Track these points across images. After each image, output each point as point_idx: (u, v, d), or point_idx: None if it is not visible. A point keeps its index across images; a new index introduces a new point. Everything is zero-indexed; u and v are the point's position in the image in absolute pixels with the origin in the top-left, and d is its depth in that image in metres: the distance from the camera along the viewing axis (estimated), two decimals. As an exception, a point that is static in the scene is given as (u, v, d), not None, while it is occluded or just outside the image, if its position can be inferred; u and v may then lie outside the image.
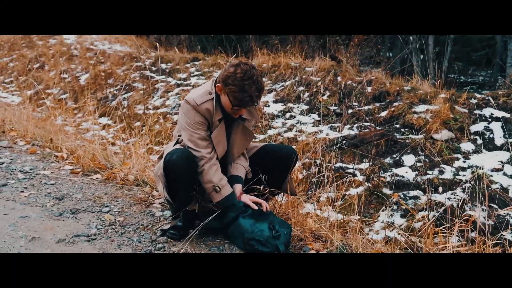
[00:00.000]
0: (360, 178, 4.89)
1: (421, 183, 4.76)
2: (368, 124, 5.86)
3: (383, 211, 4.39)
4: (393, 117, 5.80)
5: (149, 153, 4.54)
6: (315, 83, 6.89)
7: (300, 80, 7.12)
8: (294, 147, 4.25)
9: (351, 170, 5.00)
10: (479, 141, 5.17)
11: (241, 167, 2.66)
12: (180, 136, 2.59)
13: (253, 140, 2.76)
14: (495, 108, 5.48)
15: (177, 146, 2.57)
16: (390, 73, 7.36)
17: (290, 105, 6.68)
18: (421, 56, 8.82)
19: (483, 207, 3.92)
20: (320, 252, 2.54)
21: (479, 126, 5.33)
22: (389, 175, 4.92)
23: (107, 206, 2.98)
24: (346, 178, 4.19)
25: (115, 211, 2.91)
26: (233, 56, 6.75)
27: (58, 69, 9.66)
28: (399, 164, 5.08)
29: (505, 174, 4.71)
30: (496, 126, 5.28)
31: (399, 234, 3.05)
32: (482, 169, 4.71)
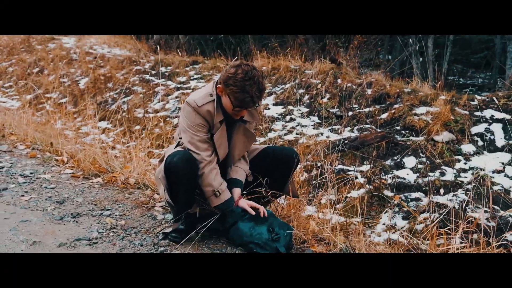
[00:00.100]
0: (361, 180, 4.87)
1: (423, 185, 4.75)
2: (369, 126, 5.85)
3: (385, 213, 4.37)
4: (394, 119, 5.80)
5: (149, 157, 4.53)
6: (315, 85, 6.89)
7: (300, 82, 7.12)
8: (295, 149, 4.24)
9: (352, 173, 4.99)
10: (480, 143, 5.17)
11: (241, 171, 2.64)
12: (181, 138, 2.58)
13: (254, 143, 2.75)
14: (495, 110, 5.48)
15: (178, 148, 2.56)
16: (389, 75, 7.36)
17: (290, 107, 6.67)
18: (421, 59, 8.83)
19: (486, 209, 3.91)
20: (319, 252, 2.53)
21: (480, 128, 5.33)
22: (390, 177, 4.91)
23: (108, 210, 2.96)
24: (348, 180, 4.18)
25: (116, 215, 2.90)
26: (234, 59, 6.75)
27: (58, 73, 9.65)
28: (400, 166, 5.08)
29: (506, 175, 4.70)
30: (497, 128, 5.28)
31: (402, 236, 3.03)
32: (484, 170, 4.70)
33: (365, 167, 5.07)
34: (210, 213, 2.58)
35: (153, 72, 8.97)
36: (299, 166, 3.30)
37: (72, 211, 2.89)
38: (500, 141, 5.13)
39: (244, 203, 2.51)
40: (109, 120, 7.30)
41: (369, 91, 6.41)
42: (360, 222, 2.88)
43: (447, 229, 2.50)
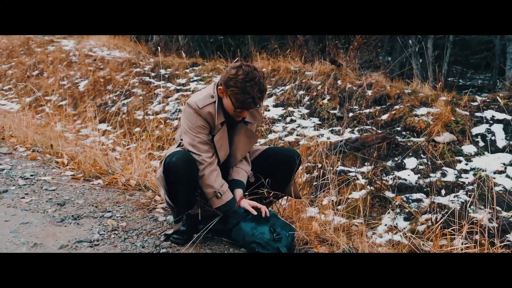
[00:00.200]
0: (362, 181, 4.86)
1: (424, 186, 4.73)
2: (369, 127, 5.84)
3: (388, 213, 4.36)
4: (394, 120, 5.79)
5: (149, 159, 4.51)
6: (315, 87, 6.88)
7: (300, 84, 7.11)
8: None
9: (353, 174, 4.97)
10: (481, 144, 5.16)
11: (242, 171, 2.63)
12: (182, 140, 2.57)
13: (255, 143, 2.74)
14: (496, 110, 5.47)
15: (178, 149, 2.55)
16: (389, 77, 7.36)
17: (291, 109, 6.67)
18: (420, 60, 8.83)
19: (488, 210, 3.90)
20: (320, 252, 2.51)
21: (480, 129, 5.32)
22: (391, 178, 4.89)
23: (109, 212, 2.95)
24: (350, 181, 4.16)
25: (117, 217, 2.88)
26: (235, 60, 6.75)
27: (57, 76, 9.64)
28: (401, 167, 5.06)
29: (508, 176, 4.68)
30: (497, 128, 5.27)
31: (406, 236, 3.02)
32: (485, 171, 4.69)
33: (366, 168, 5.06)
34: (212, 214, 2.57)
35: (153, 74, 8.96)
36: (300, 167, 3.29)
37: (73, 213, 2.87)
38: (501, 142, 5.12)
39: (246, 204, 2.50)
40: (109, 122, 7.28)
41: (369, 92, 6.41)
42: (363, 223, 2.86)
43: (451, 230, 2.49)
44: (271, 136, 6.10)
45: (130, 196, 3.29)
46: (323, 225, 2.82)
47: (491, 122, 5.37)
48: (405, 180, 4.84)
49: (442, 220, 2.65)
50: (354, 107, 6.31)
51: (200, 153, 2.44)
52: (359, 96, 6.41)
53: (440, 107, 5.63)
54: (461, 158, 5.03)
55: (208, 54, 10.79)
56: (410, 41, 8.45)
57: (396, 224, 4.30)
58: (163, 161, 2.52)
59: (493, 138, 5.17)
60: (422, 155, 5.14)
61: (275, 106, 6.90)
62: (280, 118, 6.57)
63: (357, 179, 4.88)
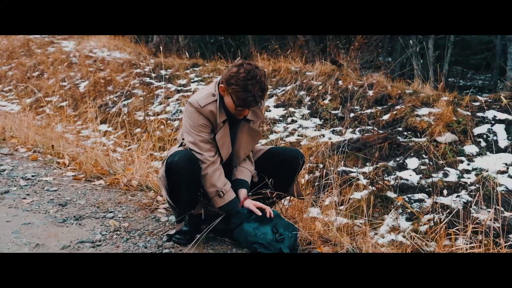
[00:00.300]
0: (363, 181, 4.85)
1: (426, 186, 4.72)
2: (371, 127, 5.83)
3: (393, 213, 4.34)
4: (396, 120, 5.78)
5: (150, 159, 4.50)
6: (316, 87, 6.87)
7: (301, 84, 7.10)
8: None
9: (354, 174, 4.96)
10: (483, 144, 5.15)
11: (246, 171, 2.61)
12: (184, 139, 2.55)
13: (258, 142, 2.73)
14: (498, 110, 5.46)
15: (180, 148, 2.54)
16: (390, 77, 7.35)
17: (292, 109, 6.65)
18: (421, 60, 8.82)
19: (489, 210, 3.88)
20: (322, 252, 2.50)
21: (482, 129, 5.31)
22: (393, 179, 4.88)
23: (111, 212, 2.93)
24: (352, 181, 4.15)
25: (119, 217, 2.87)
26: (236, 60, 6.74)
27: (58, 77, 9.63)
28: (402, 167, 5.05)
29: (510, 176, 4.67)
30: (499, 129, 5.26)
31: (410, 236, 3.01)
32: (487, 171, 4.68)
33: (368, 169, 5.05)
34: (215, 214, 2.55)
35: (153, 75, 8.95)
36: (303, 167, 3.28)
37: (75, 214, 2.86)
38: (503, 142, 5.11)
39: (250, 204, 2.48)
40: (110, 123, 7.27)
41: (370, 93, 6.40)
42: (366, 223, 2.85)
43: (456, 229, 2.47)
44: (272, 137, 6.09)
45: (132, 197, 3.28)
46: (326, 225, 2.81)
47: (493, 122, 5.35)
48: (407, 180, 4.83)
49: (447, 220, 2.64)
50: (355, 107, 6.30)
51: (202, 152, 2.42)
52: (360, 96, 6.40)
53: (442, 107, 5.62)
54: (463, 158, 5.02)
55: (208, 55, 10.78)
56: (411, 41, 8.44)
57: (399, 224, 4.29)
58: (165, 161, 2.51)
59: (495, 138, 5.16)
60: (423, 155, 5.13)
61: (276, 106, 6.89)
62: (281, 118, 6.56)
63: (359, 179, 4.87)
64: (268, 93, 7.06)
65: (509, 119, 5.31)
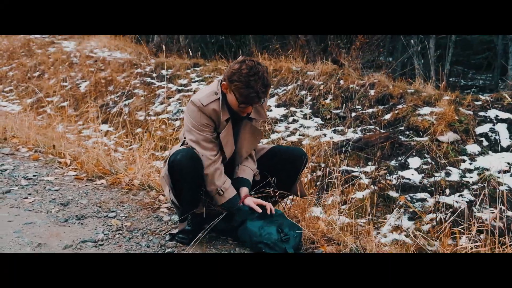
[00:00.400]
0: (365, 181, 4.84)
1: (428, 185, 4.71)
2: (373, 127, 5.82)
3: (395, 212, 4.33)
4: (397, 120, 5.77)
5: (152, 159, 4.49)
6: (317, 86, 6.86)
7: (302, 84, 7.09)
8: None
9: (356, 173, 4.95)
10: (485, 143, 5.13)
11: (248, 170, 2.60)
12: (185, 138, 2.54)
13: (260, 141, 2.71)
14: (500, 110, 5.45)
15: (182, 147, 2.52)
16: (392, 76, 7.34)
17: (293, 109, 6.64)
18: (422, 60, 8.81)
19: (492, 209, 3.87)
20: (325, 251, 2.49)
21: (484, 128, 5.30)
22: (395, 178, 4.87)
23: (113, 211, 2.92)
24: (354, 180, 4.14)
25: (121, 216, 2.86)
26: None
27: (58, 77, 9.63)
28: (404, 166, 5.04)
29: (512, 175, 4.66)
30: (501, 128, 5.25)
31: (414, 235, 2.99)
32: (489, 170, 4.67)
33: (370, 168, 5.04)
34: (217, 213, 2.54)
35: (154, 74, 8.94)
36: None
37: (77, 213, 2.85)
38: (505, 141, 5.09)
39: (251, 201, 2.47)
40: (111, 123, 7.26)
41: (372, 92, 6.39)
42: (370, 222, 2.83)
43: (460, 228, 2.46)
44: (274, 136, 6.08)
45: (134, 196, 3.27)
46: (330, 224, 2.80)
47: (495, 121, 5.34)
48: (409, 179, 4.82)
49: (452, 218, 2.62)
50: (357, 107, 6.29)
51: (204, 151, 2.41)
52: (362, 96, 6.39)
53: (444, 106, 5.61)
54: (465, 157, 5.01)
55: (209, 55, 10.78)
56: (412, 41, 8.44)
57: (401, 224, 4.28)
58: (167, 160, 2.50)
59: (497, 137, 5.15)
60: (425, 154, 5.12)
61: (278, 106, 6.88)
62: (282, 118, 6.55)
63: (360, 178, 4.86)
64: (269, 92, 7.06)
65: (511, 118, 5.30)
